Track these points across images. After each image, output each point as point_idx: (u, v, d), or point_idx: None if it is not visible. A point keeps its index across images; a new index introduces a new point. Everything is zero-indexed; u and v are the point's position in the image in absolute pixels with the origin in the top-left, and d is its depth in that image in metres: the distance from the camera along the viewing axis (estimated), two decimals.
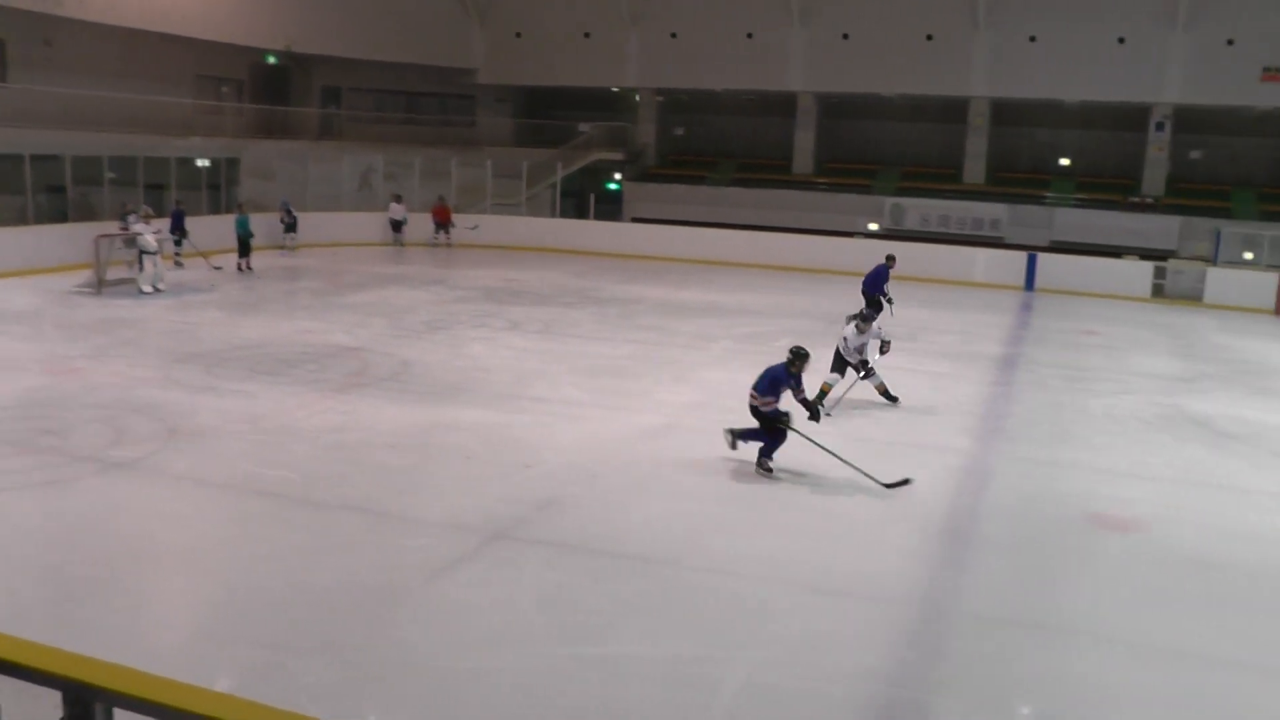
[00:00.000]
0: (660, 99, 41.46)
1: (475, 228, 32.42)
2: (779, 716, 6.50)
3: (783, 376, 11.32)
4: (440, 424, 12.58)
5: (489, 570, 8.44)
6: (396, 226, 32.42)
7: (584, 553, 8.92)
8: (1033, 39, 35.11)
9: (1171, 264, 30.00)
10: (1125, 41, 34.01)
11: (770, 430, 11.30)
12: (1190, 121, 35.74)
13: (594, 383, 15.20)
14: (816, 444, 11.18)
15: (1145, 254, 30.91)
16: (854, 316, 14.85)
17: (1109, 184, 36.66)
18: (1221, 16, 33.28)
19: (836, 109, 40.12)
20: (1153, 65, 33.96)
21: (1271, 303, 27.88)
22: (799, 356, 11.46)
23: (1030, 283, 29.57)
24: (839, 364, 14.45)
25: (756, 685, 6.86)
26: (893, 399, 14.61)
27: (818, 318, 21.98)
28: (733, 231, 33.32)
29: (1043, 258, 30.16)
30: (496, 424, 12.61)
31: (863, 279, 20.56)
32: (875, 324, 15.02)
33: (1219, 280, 28.96)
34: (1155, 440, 13.81)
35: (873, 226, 35.48)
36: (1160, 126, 35.52)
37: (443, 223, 32.75)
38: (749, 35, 37.80)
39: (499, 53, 40.62)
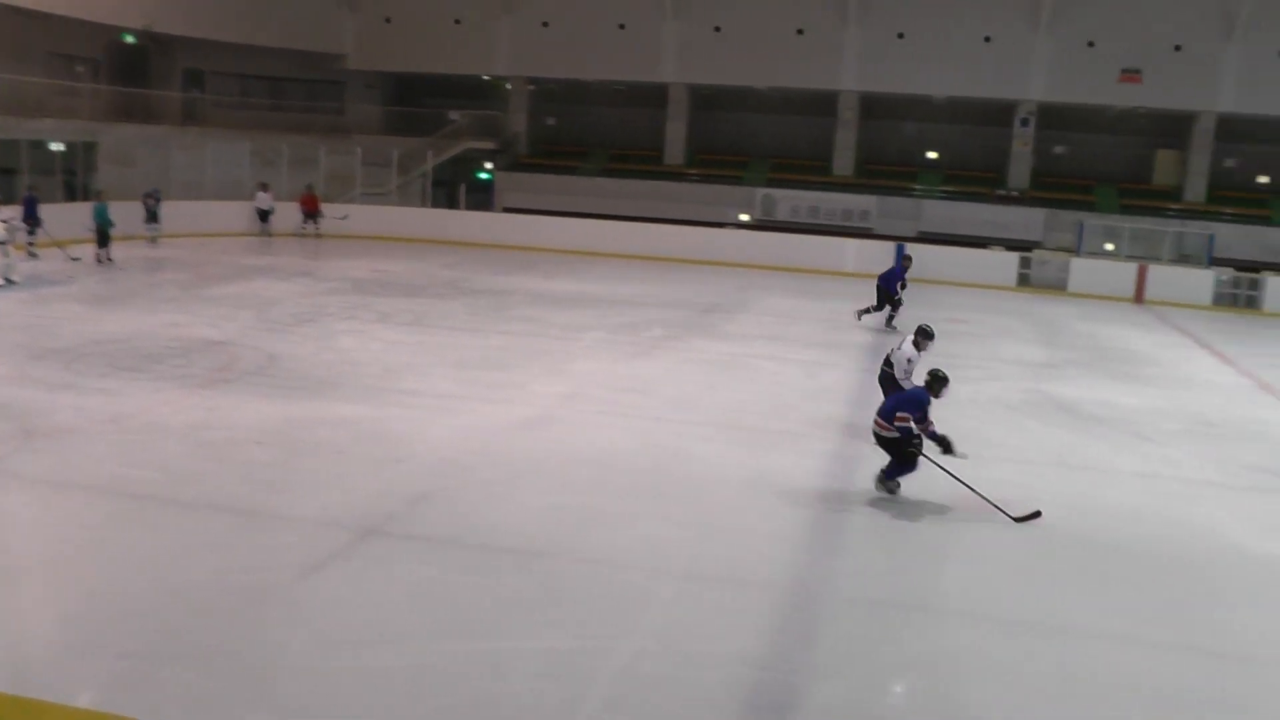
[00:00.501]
0: (532, 88, 41.24)
1: (345, 218, 31.77)
2: (654, 704, 6.48)
3: (925, 399, 10.29)
4: (310, 419, 12.26)
5: (362, 567, 8.26)
6: (263, 216, 31.49)
7: (459, 547, 8.78)
8: (901, 36, 35.76)
9: (1036, 255, 30.89)
10: (991, 40, 34.90)
11: (901, 455, 10.37)
12: (1054, 118, 36.81)
13: (466, 375, 15.00)
14: (952, 474, 10.34)
15: (1011, 245, 31.78)
16: (918, 336, 13.29)
17: (976, 177, 37.52)
18: (1083, 19, 34.38)
19: (708, 101, 40.31)
20: (1017, 64, 34.91)
21: (1131, 291, 28.93)
22: (939, 380, 10.42)
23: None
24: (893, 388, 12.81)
25: (632, 674, 6.84)
26: None
27: (690, 308, 22.12)
28: (605, 222, 33.32)
29: (911, 248, 30.67)
30: (367, 418, 12.35)
31: (879, 276, 21.74)
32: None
33: (1082, 270, 29.94)
34: (1022, 424, 14.19)
35: (744, 217, 35.76)
36: (1025, 123, 36.51)
37: (311, 212, 31.94)
38: (621, 26, 37.79)
39: (368, 38, 39.95)
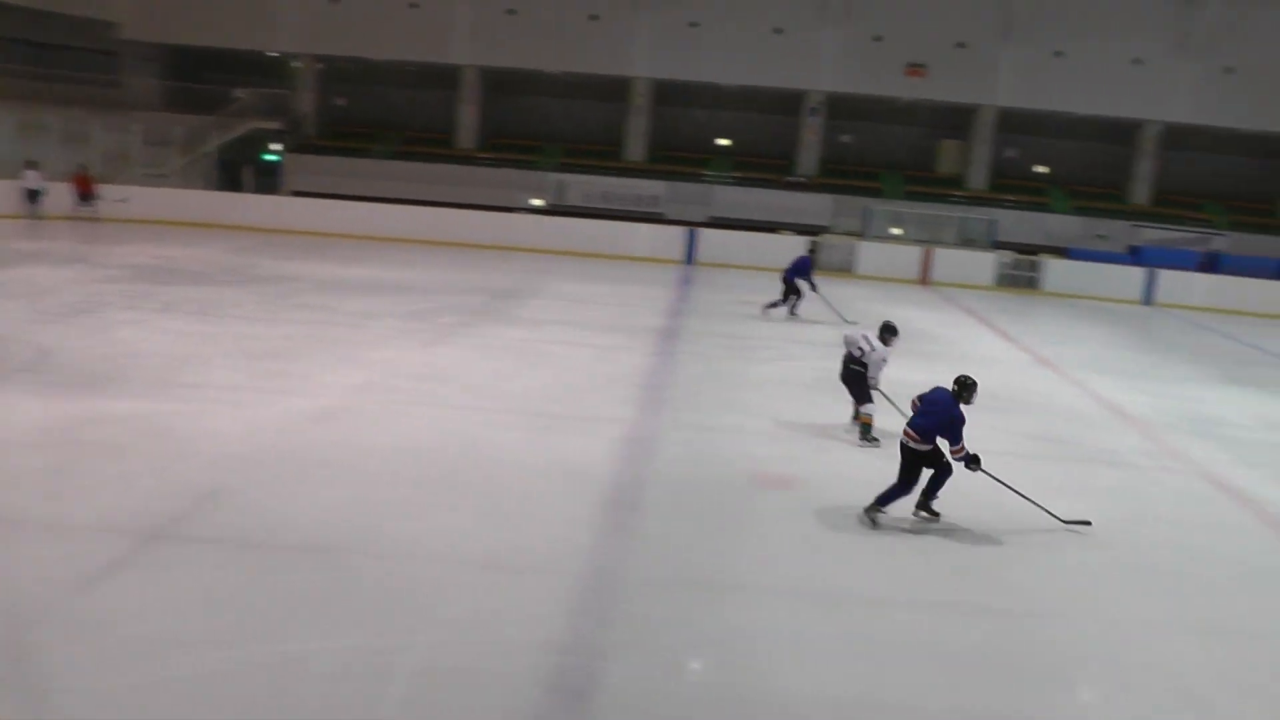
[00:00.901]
0: (320, 66, 40.21)
1: (125, 200, 30.12)
2: (453, 699, 6.38)
3: (960, 418, 9.62)
4: (87, 417, 11.53)
5: (146, 574, 7.84)
6: (32, 196, 29.10)
7: (249, 548, 8.42)
8: (694, 25, 36.17)
9: (825, 239, 31.64)
10: (782, 32, 35.66)
11: (936, 463, 9.87)
12: (842, 108, 37.91)
13: (254, 366, 14.39)
14: (1005, 484, 10.28)
15: (800, 229, 32.48)
16: (885, 333, 13.16)
17: (766, 164, 38.32)
18: (870, 15, 35.62)
19: (501, 84, 40.06)
20: (807, 56, 35.85)
21: (918, 273, 29.99)
22: (969, 387, 9.79)
23: (690, 257, 30.49)
24: (856, 387, 12.95)
25: (431, 669, 6.72)
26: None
27: (483, 293, 21.91)
28: (396, 206, 32.65)
29: (702, 233, 31.14)
30: (149, 414, 11.72)
31: (786, 269, 22.12)
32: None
33: (870, 253, 30.93)
34: (814, 402, 14.51)
35: (536, 202, 35.65)
36: (814, 112, 37.51)
37: (86, 193, 29.93)
38: (413, 5, 37.19)
39: (144, 6, 37.67)
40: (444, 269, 25.79)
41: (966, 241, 33.18)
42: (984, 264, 31.22)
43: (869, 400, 12.87)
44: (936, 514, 9.99)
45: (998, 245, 32.86)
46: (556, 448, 11.35)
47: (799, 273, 22.01)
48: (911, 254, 30.86)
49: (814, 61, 36.20)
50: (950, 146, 39.58)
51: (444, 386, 14.01)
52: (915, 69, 36.02)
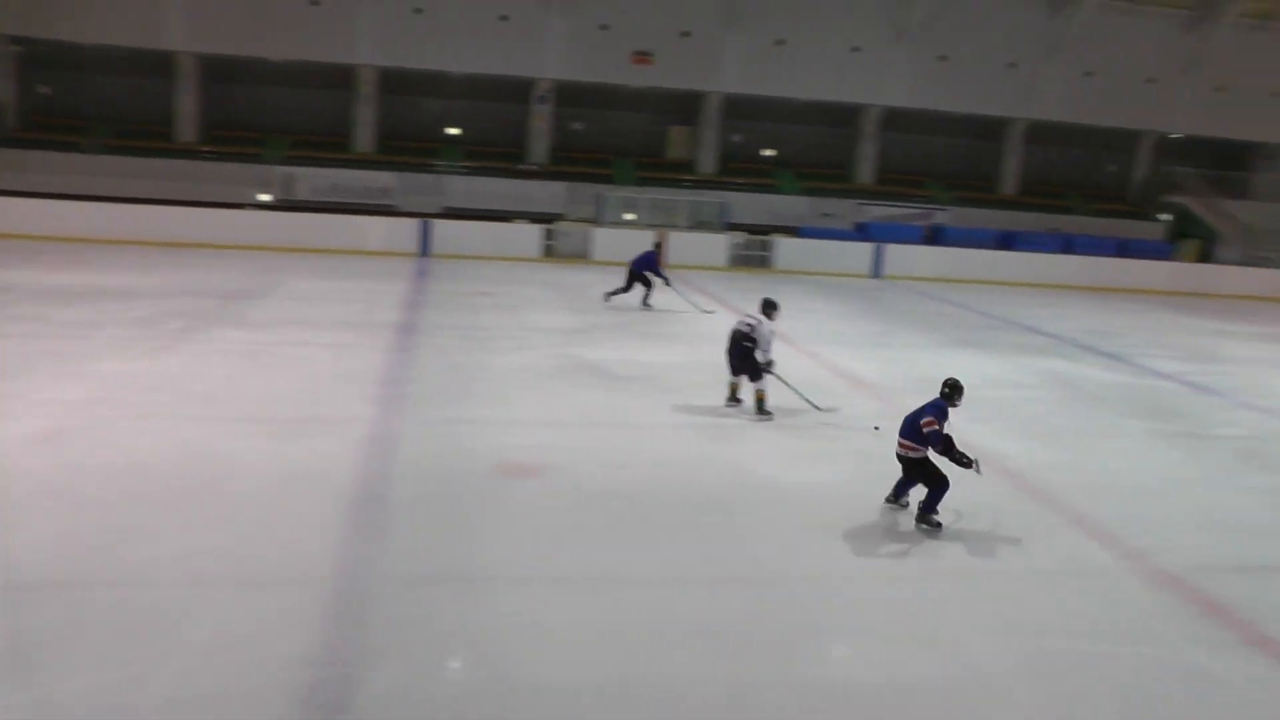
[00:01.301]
0: (19, 49, 37.05)
1: None
2: None
3: (945, 407, 9.78)
4: None
5: None
6: None
7: None
8: (418, 11, 35.57)
9: (559, 226, 31.74)
10: (508, 19, 35.43)
11: (925, 477, 9.83)
12: (571, 96, 38.01)
13: None
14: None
15: (535, 218, 32.47)
16: (767, 309, 13.66)
17: (497, 152, 38.07)
18: (596, 3, 35.75)
19: (221, 72, 38.15)
20: (534, 43, 35.72)
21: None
22: (958, 389, 9.95)
23: (425, 249, 30.09)
24: (746, 363, 13.38)
25: (177, 700, 6.09)
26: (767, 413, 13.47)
27: (212, 296, 20.92)
28: (112, 205, 30.49)
29: (436, 224, 30.76)
30: None
31: (633, 260, 22.80)
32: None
33: (604, 239, 31.13)
34: (555, 389, 14.35)
35: (264, 197, 34.37)
36: (543, 100, 37.48)
37: None
38: None
39: None
40: (168, 271, 24.23)
41: (699, 224, 33.88)
42: (717, 245, 31.96)
43: (761, 378, 13.36)
44: (939, 524, 9.81)
45: (730, 227, 33.69)
46: (297, 453, 10.88)
47: (646, 265, 22.75)
48: (647, 238, 31.21)
49: (541, 49, 36.13)
50: (679, 132, 40.31)
51: (174, 397, 13.14)
52: (642, 57, 36.49)
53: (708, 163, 38.94)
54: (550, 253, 30.96)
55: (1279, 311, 33.10)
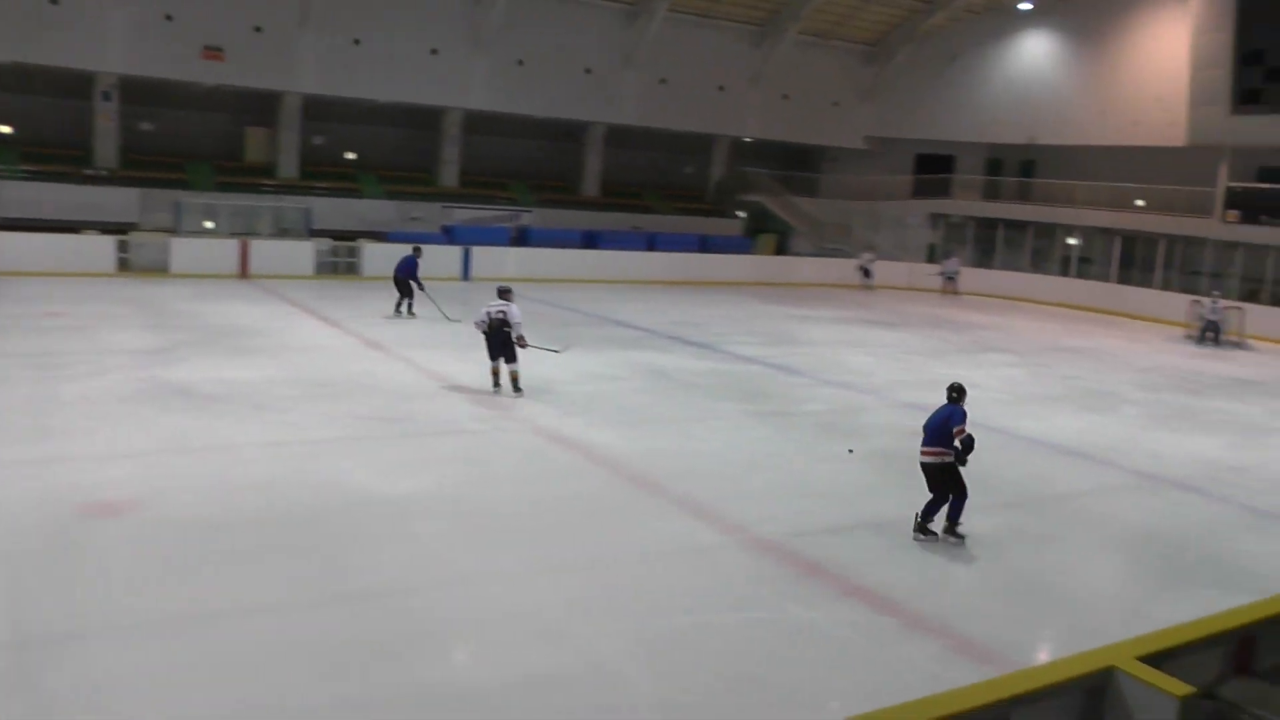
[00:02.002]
0: None
1: None
2: None
3: (959, 415, 10.14)
4: None
5: None
6: None
7: None
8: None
9: (134, 237, 29.91)
10: (59, 3, 32.60)
11: (953, 485, 10.22)
12: (139, 93, 35.49)
13: None
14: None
15: (106, 228, 30.34)
16: (506, 294, 15.74)
17: (59, 155, 35.03)
18: None
19: None
20: (91, 32, 32.97)
21: (236, 267, 29.12)
22: (963, 392, 10.48)
23: None
24: (503, 347, 15.58)
25: None
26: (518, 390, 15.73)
27: None
28: None
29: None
30: None
31: (396, 269, 23.60)
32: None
33: (183, 250, 29.63)
34: (139, 416, 13.48)
35: None
36: (108, 96, 34.78)
37: None
38: None
39: None
40: None
41: (283, 231, 32.84)
42: (303, 253, 31.05)
43: (516, 359, 15.61)
44: (962, 536, 10.37)
45: (314, 233, 32.80)
46: None
47: (407, 273, 23.36)
48: (228, 247, 29.96)
49: (101, 39, 33.04)
50: (257, 134, 38.71)
51: None
52: (212, 52, 34.61)
53: (289, 166, 37.60)
54: (126, 266, 29.03)
55: (848, 296, 36.14)
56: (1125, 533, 11.90)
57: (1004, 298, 39.10)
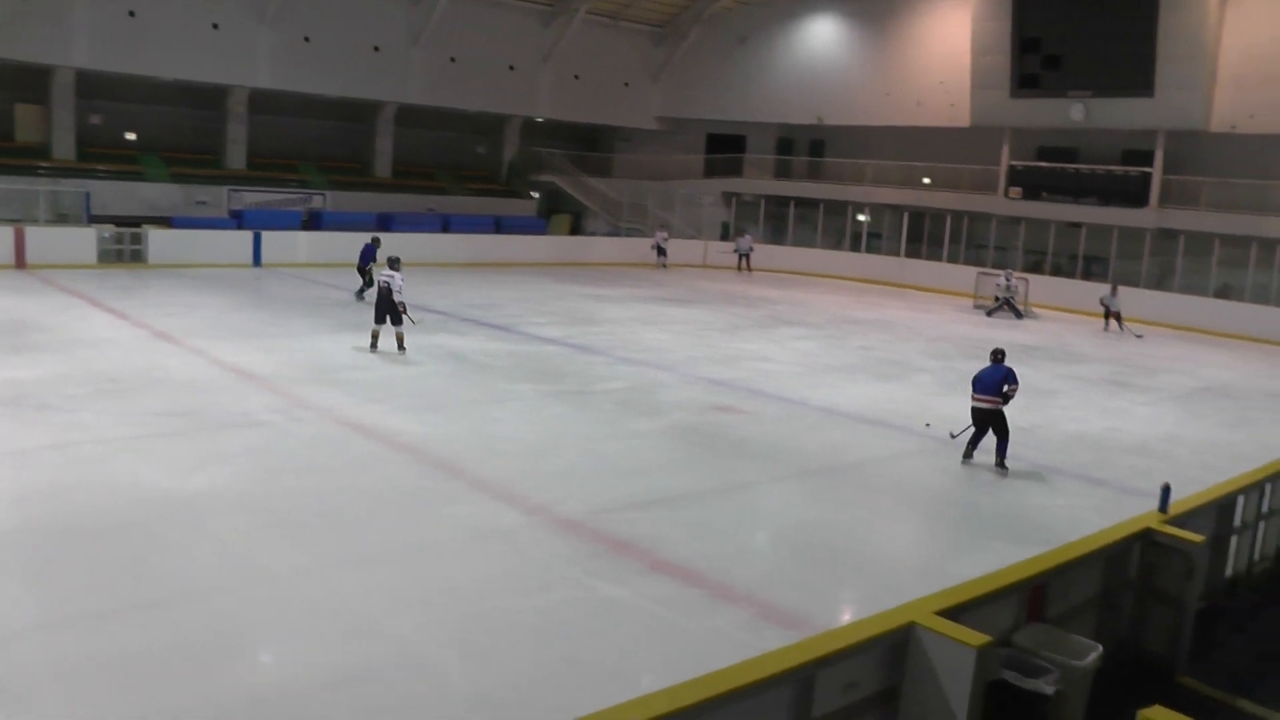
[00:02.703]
0: None
1: None
2: None
3: (1014, 376, 13.25)
4: None
5: None
6: None
7: None
8: None
9: None
10: None
11: (999, 428, 13.27)
12: None
13: None
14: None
15: None
16: (392, 264, 18.71)
17: None
18: None
19: None
20: None
21: (12, 257, 27.63)
22: (1004, 354, 13.72)
23: None
24: (388, 309, 18.27)
25: None
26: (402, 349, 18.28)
27: None
28: None
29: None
30: None
31: (359, 259, 25.38)
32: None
33: None
34: None
35: None
36: None
37: None
38: None
39: None
40: None
41: (61, 217, 31.22)
42: (83, 240, 29.57)
43: (401, 322, 18.27)
44: (1007, 469, 13.21)
45: (95, 219, 31.32)
46: None
47: (369, 259, 25.04)
48: (2, 236, 28.41)
49: None
50: (29, 111, 36.63)
51: None
52: None
53: (64, 147, 35.69)
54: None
55: (644, 275, 36.54)
56: (922, 495, 12.52)
57: (797, 273, 40.31)
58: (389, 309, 18.25)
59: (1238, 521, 9.55)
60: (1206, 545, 7.94)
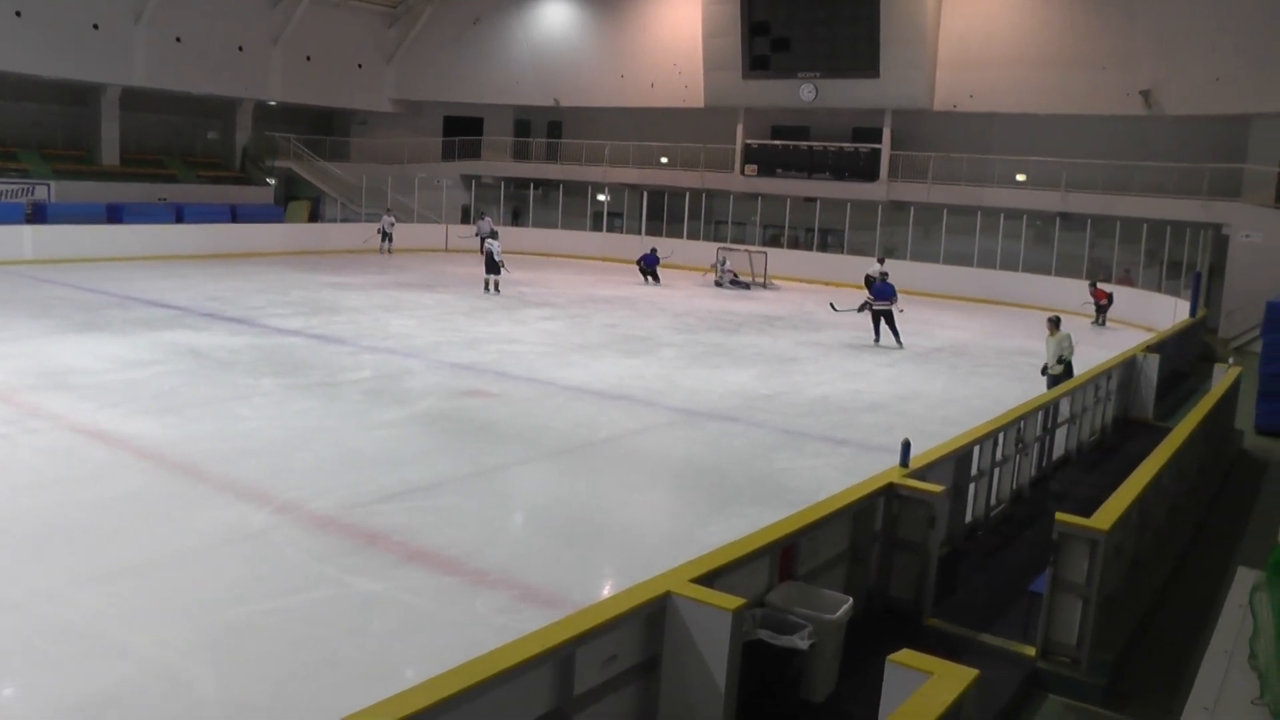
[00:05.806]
0: None
1: None
2: None
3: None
4: None
5: None
6: None
7: None
8: None
9: None
10: None
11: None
12: None
13: None
14: None
15: None
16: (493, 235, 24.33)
17: None
18: None
19: None
20: None
21: None
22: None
23: None
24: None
25: None
26: None
27: None
28: None
29: None
30: None
31: None
32: None
33: None
34: None
35: None
36: None
37: None
38: None
39: None
40: None
41: None
42: None
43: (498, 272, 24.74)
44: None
45: None
46: None
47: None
48: None
49: None
50: None
51: None
52: None
53: None
54: None
55: (385, 262, 36.03)
56: (672, 466, 12.64)
57: (540, 254, 40.27)
58: (493, 266, 27.86)
59: (974, 470, 10.03)
60: (946, 495, 8.26)
